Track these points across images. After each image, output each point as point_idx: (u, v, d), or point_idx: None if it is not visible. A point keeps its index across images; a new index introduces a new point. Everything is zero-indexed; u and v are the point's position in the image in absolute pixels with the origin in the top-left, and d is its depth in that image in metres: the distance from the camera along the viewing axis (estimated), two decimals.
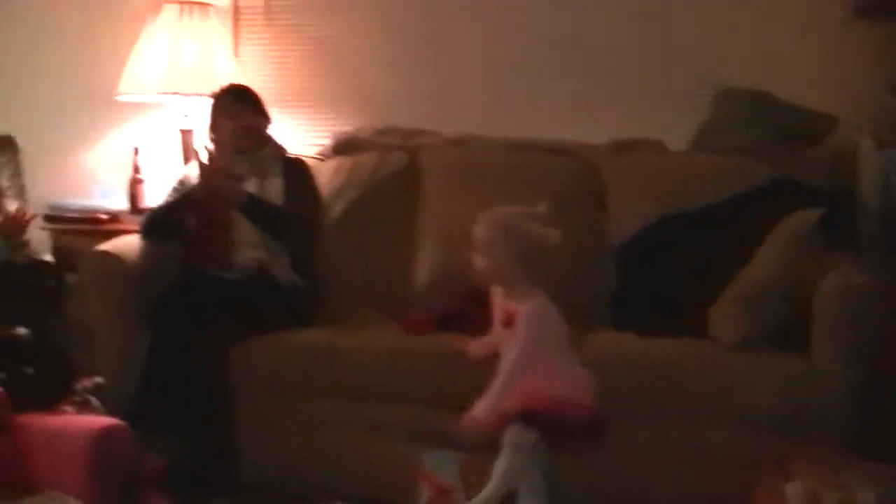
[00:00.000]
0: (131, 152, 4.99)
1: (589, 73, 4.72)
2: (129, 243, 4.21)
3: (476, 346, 3.49)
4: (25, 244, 4.52)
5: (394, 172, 4.52)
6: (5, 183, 4.90)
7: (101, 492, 3.17)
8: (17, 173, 4.97)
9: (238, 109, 4.30)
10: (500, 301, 3.34)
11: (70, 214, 4.95)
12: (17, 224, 4.42)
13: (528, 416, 3.16)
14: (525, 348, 3.21)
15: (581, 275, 4.14)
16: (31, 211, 4.84)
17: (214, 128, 4.36)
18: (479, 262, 3.28)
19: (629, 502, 3.53)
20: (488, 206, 3.96)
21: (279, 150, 4.39)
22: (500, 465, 3.20)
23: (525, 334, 3.21)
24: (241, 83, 4.53)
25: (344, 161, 4.61)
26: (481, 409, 3.18)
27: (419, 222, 4.42)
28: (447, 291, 4.04)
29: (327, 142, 4.79)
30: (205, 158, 4.14)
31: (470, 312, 3.80)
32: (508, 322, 3.28)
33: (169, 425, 3.72)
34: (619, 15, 4.68)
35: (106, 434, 3.29)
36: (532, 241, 3.23)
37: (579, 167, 4.39)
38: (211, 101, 4.42)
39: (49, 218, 4.96)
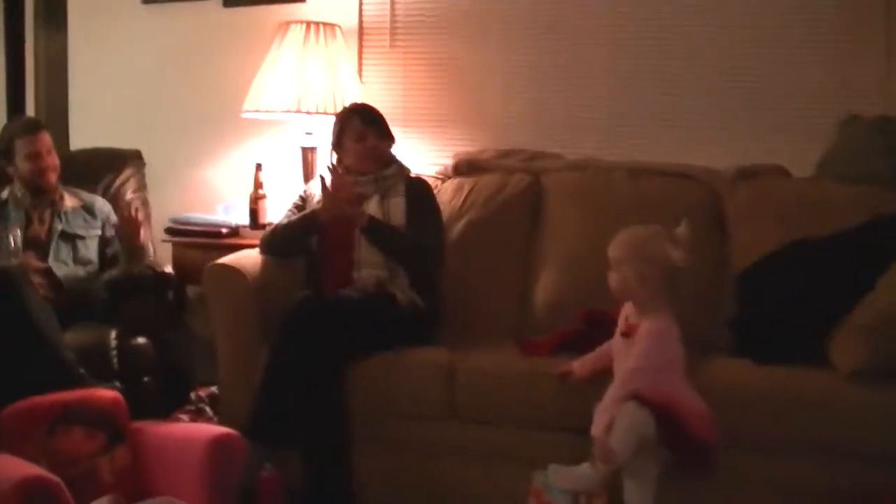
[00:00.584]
0: (253, 168, 5.02)
1: (713, 97, 4.67)
2: (249, 257, 4.23)
3: (580, 364, 3.53)
4: (141, 249, 4.57)
5: (516, 194, 4.48)
6: (130, 195, 4.98)
7: (216, 500, 3.16)
8: (141, 187, 5.06)
9: (363, 131, 4.30)
10: (626, 313, 3.38)
11: (192, 228, 5.02)
12: (131, 225, 4.46)
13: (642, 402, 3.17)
14: (643, 362, 3.24)
15: (701, 300, 4.09)
16: (153, 224, 4.92)
17: (338, 147, 4.38)
18: (611, 278, 3.33)
19: None
20: (609, 230, 3.98)
21: (403, 170, 4.38)
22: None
23: (645, 349, 3.24)
24: (366, 103, 4.54)
25: (466, 182, 4.59)
26: (598, 425, 3.21)
27: (540, 245, 4.39)
28: (566, 314, 3.97)
29: (449, 162, 4.77)
30: (328, 183, 4.15)
31: (589, 335, 3.75)
32: (628, 333, 3.32)
33: (285, 439, 3.71)
34: (743, 41, 4.62)
35: (220, 442, 3.28)
36: (658, 262, 3.24)
37: (702, 193, 4.32)
38: (335, 119, 4.43)
39: (171, 231, 5.03)
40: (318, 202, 4.25)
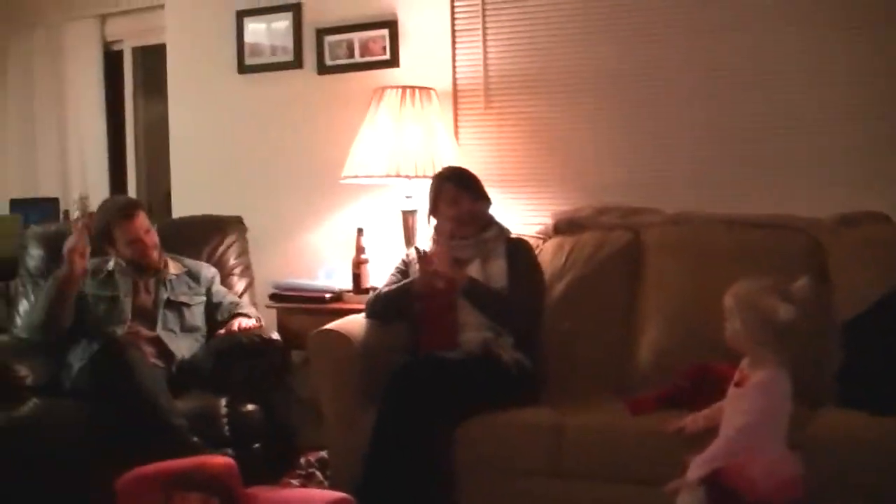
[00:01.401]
0: (355, 233, 5.08)
1: (811, 145, 4.62)
2: (354, 322, 4.29)
3: (692, 420, 3.54)
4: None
5: (616, 251, 4.48)
6: (233, 262, 5.05)
7: None
8: (244, 252, 5.13)
9: (458, 195, 4.34)
10: (743, 364, 3.40)
11: (295, 293, 5.09)
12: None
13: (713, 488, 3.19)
14: (753, 416, 3.25)
15: (807, 352, 3.99)
16: (256, 289, 4.99)
17: (435, 213, 4.42)
18: (727, 328, 3.36)
19: None
20: (710, 283, 3.98)
21: (503, 232, 4.42)
22: None
23: (751, 404, 3.26)
24: (459, 166, 4.58)
25: (565, 240, 4.61)
26: (693, 467, 3.23)
27: (642, 300, 4.38)
28: (670, 369, 3.96)
29: (548, 221, 4.79)
30: (424, 255, 4.22)
31: (694, 390, 3.74)
32: (739, 383, 3.34)
33: (394, 502, 3.73)
34: (840, 86, 4.56)
35: None
36: (764, 315, 3.26)
37: (803, 242, 4.27)
38: (430, 185, 4.48)
39: (275, 297, 5.10)
40: (417, 270, 4.31)
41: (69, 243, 4.33)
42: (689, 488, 3.23)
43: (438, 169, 4.66)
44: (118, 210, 4.68)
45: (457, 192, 4.34)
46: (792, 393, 3.30)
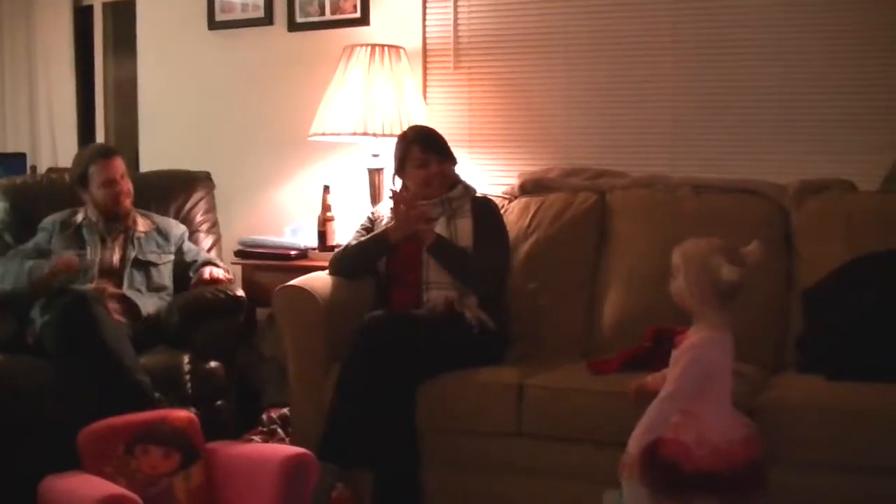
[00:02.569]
0: (321, 190, 5.07)
1: (778, 112, 4.64)
2: (319, 279, 4.28)
3: (653, 379, 3.47)
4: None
5: (582, 212, 4.49)
6: (200, 218, 5.04)
7: None
8: (211, 209, 5.12)
9: (424, 158, 4.33)
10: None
11: (261, 250, 5.09)
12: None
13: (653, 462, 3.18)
14: (679, 381, 3.20)
15: (768, 317, 4.12)
16: (224, 248, 4.97)
17: (401, 173, 4.42)
18: (671, 284, 3.33)
19: None
20: (675, 246, 3.98)
21: (469, 190, 4.42)
22: None
23: (683, 367, 3.21)
24: (425, 126, 4.58)
25: (531, 201, 4.61)
26: (631, 441, 3.22)
27: (607, 262, 4.40)
28: (634, 331, 3.97)
29: (515, 182, 4.79)
30: (400, 202, 4.21)
31: (657, 352, 3.76)
32: (678, 343, 3.31)
33: (356, 459, 3.75)
34: (809, 54, 4.58)
35: (294, 462, 3.34)
36: (709, 274, 3.22)
37: (768, 208, 4.31)
38: (396, 145, 4.47)
39: (240, 253, 5.11)
40: (388, 222, 4.31)
41: (63, 261, 4.33)
42: (632, 469, 3.20)
43: (406, 128, 4.65)
44: (96, 151, 4.70)
45: (424, 154, 4.33)
46: (732, 353, 3.27)
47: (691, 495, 3.15)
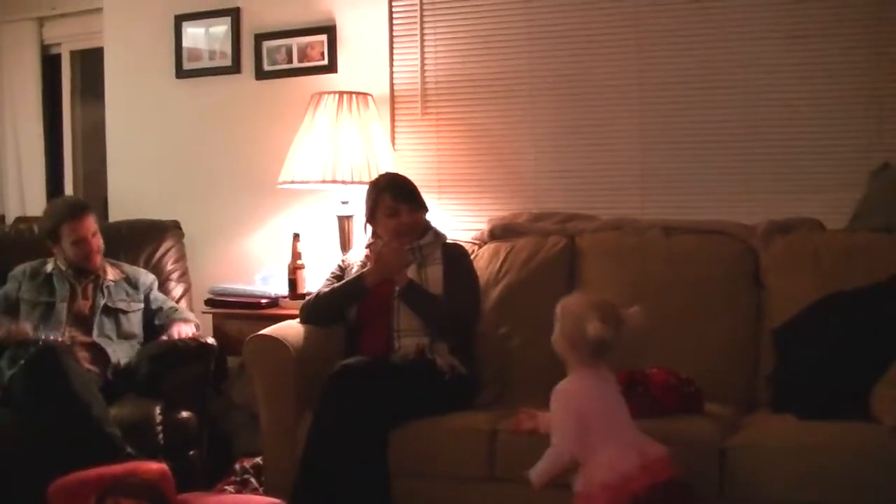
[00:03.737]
0: (291, 238, 5.07)
1: (743, 153, 4.67)
2: (290, 327, 4.28)
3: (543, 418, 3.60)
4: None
5: (551, 256, 4.49)
6: (170, 266, 5.04)
7: None
8: (181, 257, 5.12)
9: (395, 207, 4.33)
10: None
11: (231, 299, 5.08)
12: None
13: None
14: (556, 436, 3.37)
15: (739, 355, 4.15)
16: (194, 297, 4.95)
17: (372, 221, 4.42)
18: (553, 334, 3.48)
19: None
20: (646, 288, 4.05)
21: (439, 237, 4.43)
22: None
23: (555, 419, 3.39)
24: (395, 174, 4.57)
25: (501, 246, 4.61)
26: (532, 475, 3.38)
27: None
28: None
29: (484, 227, 4.80)
30: (384, 248, 4.25)
31: (629, 396, 3.76)
32: None
33: None
34: (773, 95, 4.62)
35: None
36: (577, 328, 3.36)
37: (737, 248, 4.33)
38: (367, 193, 4.47)
39: (210, 302, 5.09)
40: (359, 269, 4.33)
41: (17, 330, 4.37)
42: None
43: (375, 175, 4.68)
44: (68, 208, 4.69)
45: (395, 203, 4.33)
46: (611, 389, 3.43)
47: None
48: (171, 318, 4.67)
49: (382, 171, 4.70)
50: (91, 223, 4.60)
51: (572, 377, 3.40)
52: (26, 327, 4.38)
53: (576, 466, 3.32)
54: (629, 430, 3.36)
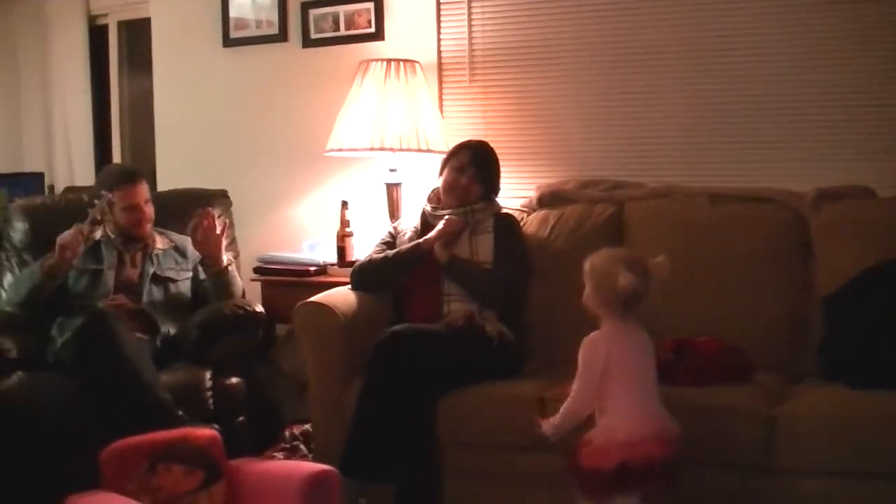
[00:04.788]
0: (338, 205, 5.08)
1: (794, 119, 4.62)
2: (339, 294, 4.30)
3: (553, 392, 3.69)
4: (226, 270, 4.62)
5: (599, 224, 4.49)
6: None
7: None
8: (229, 226, 5.11)
9: (464, 166, 4.38)
10: None
11: (280, 267, 5.09)
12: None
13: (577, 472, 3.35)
14: (577, 380, 3.42)
15: (788, 325, 4.12)
16: (242, 265, 4.95)
17: (441, 171, 4.47)
18: (584, 293, 3.52)
19: None
20: (693, 256, 4.08)
21: (492, 205, 4.44)
22: None
23: (580, 364, 3.42)
24: (487, 145, 4.56)
25: (550, 213, 4.61)
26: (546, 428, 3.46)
27: None
28: (654, 343, 3.96)
29: (532, 194, 4.79)
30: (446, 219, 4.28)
31: (678, 364, 3.75)
32: None
33: (378, 474, 3.75)
34: (823, 61, 4.56)
35: (317, 479, 3.33)
36: (607, 280, 3.41)
37: (785, 216, 4.30)
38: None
39: (259, 270, 5.11)
40: (412, 236, 4.38)
41: (63, 238, 4.29)
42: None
43: (423, 143, 4.75)
44: (122, 174, 4.72)
45: (467, 163, 4.38)
46: (644, 350, 3.44)
47: (612, 492, 3.26)
48: None
49: (434, 139, 4.79)
50: (144, 190, 4.61)
51: (604, 328, 3.44)
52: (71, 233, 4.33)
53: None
54: (652, 390, 3.40)
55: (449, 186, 4.38)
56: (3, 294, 4.76)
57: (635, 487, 3.25)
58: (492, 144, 4.72)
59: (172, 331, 4.46)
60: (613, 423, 3.31)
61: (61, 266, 4.32)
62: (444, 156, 4.51)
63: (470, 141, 4.55)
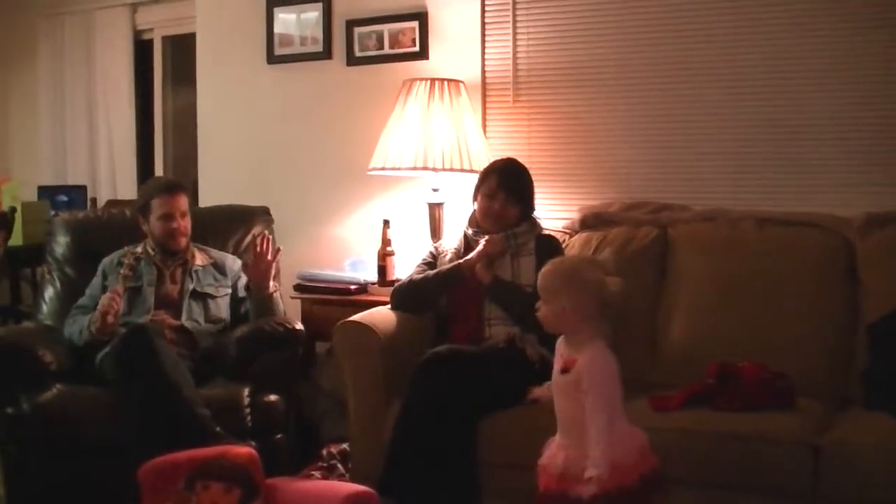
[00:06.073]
0: (380, 224, 5.07)
1: (842, 143, 4.56)
2: (379, 313, 4.30)
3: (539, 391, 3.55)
4: (270, 297, 4.62)
5: (643, 247, 4.46)
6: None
7: None
8: (280, 254, 5.11)
9: (495, 192, 4.35)
10: (561, 348, 3.32)
11: (320, 284, 5.09)
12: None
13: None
14: (604, 400, 3.16)
15: (833, 352, 4.07)
16: (283, 282, 4.95)
17: (475, 197, 4.45)
18: (543, 310, 3.27)
19: None
20: (738, 281, 4.08)
21: (534, 227, 4.41)
22: None
23: (601, 385, 3.16)
24: (514, 161, 4.53)
25: (593, 235, 4.59)
26: (596, 469, 3.08)
27: (668, 297, 4.37)
28: (696, 366, 3.93)
29: (576, 216, 4.77)
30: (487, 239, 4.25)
31: (720, 390, 3.72)
32: (567, 368, 3.25)
33: (416, 495, 3.72)
34: (870, 85, 4.50)
35: (356, 500, 3.31)
36: (594, 289, 3.20)
37: (832, 240, 4.25)
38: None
39: (300, 287, 5.11)
40: (452, 258, 4.36)
41: (103, 306, 4.36)
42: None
43: (466, 163, 4.73)
44: (163, 183, 4.77)
45: (496, 189, 4.35)
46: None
47: None
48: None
49: (478, 159, 4.76)
50: (182, 202, 4.62)
51: (597, 346, 3.22)
52: (109, 298, 4.38)
53: None
54: (623, 409, 3.27)
55: (484, 214, 4.37)
56: (46, 307, 4.78)
57: (654, 498, 3.20)
58: (535, 165, 4.73)
59: (211, 345, 4.46)
60: (623, 440, 3.19)
61: (105, 331, 4.34)
62: (478, 178, 4.48)
63: (495, 163, 4.51)
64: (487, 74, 5.22)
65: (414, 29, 5.32)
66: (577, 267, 3.31)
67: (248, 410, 4.23)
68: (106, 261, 4.66)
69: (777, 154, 4.68)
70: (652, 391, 3.99)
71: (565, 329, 3.29)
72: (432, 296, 4.33)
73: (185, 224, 4.63)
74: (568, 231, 4.70)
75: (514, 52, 5.16)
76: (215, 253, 4.79)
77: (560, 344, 3.35)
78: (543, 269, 3.32)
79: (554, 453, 3.28)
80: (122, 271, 4.49)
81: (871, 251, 4.17)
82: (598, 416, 3.14)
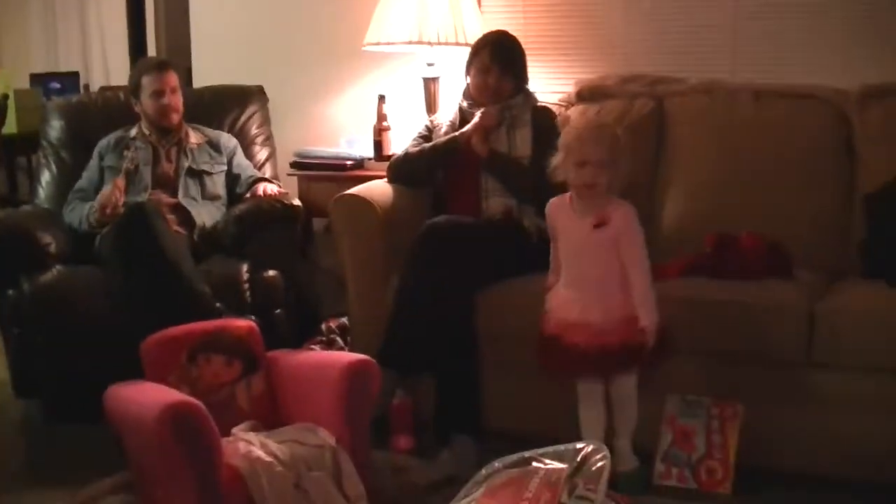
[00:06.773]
0: (376, 100, 5.04)
1: (840, 15, 4.51)
2: (377, 187, 4.29)
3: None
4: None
5: (640, 119, 4.43)
6: (254, 131, 5.03)
7: (350, 425, 3.21)
8: (265, 122, 5.11)
9: (488, 66, 4.29)
10: (565, 210, 3.51)
11: (317, 161, 5.08)
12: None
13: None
14: (643, 243, 3.42)
15: (830, 224, 4.09)
16: (278, 161, 4.94)
17: (467, 73, 4.40)
18: (604, 175, 3.38)
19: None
20: (734, 153, 4.12)
21: (529, 99, 4.37)
22: None
23: (636, 231, 3.42)
24: (504, 33, 4.46)
25: (589, 108, 4.55)
26: (647, 319, 3.34)
27: (665, 170, 4.37)
28: (693, 238, 3.97)
29: (571, 89, 4.73)
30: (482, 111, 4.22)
31: (719, 259, 3.74)
32: (600, 223, 3.40)
33: (416, 365, 3.77)
34: None
35: (356, 369, 3.32)
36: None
37: (828, 114, 4.23)
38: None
39: (296, 165, 5.11)
40: (448, 130, 4.32)
41: (103, 197, 4.38)
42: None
43: (461, 37, 4.67)
44: (152, 62, 4.78)
45: (489, 63, 4.29)
46: None
47: (575, 371, 3.42)
48: (249, 185, 4.67)
49: (473, 33, 4.68)
50: (172, 79, 4.59)
51: (623, 201, 3.44)
52: (108, 192, 4.40)
53: None
54: None
55: (478, 89, 4.31)
56: (42, 191, 4.79)
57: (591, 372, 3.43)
58: (531, 39, 4.69)
59: (209, 224, 4.46)
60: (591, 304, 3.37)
61: (105, 222, 4.34)
62: (469, 53, 4.42)
63: (487, 36, 4.43)
64: None
65: None
66: (601, 124, 3.48)
67: (247, 286, 4.26)
68: (102, 142, 4.65)
69: (775, 25, 4.62)
70: (651, 262, 4.00)
71: (603, 194, 3.41)
72: (428, 168, 4.31)
73: (177, 100, 4.61)
74: (564, 104, 4.67)
75: None
76: (209, 131, 4.78)
77: (561, 206, 3.52)
78: (596, 136, 3.44)
79: (567, 304, 3.40)
80: (125, 164, 4.49)
81: (868, 124, 4.16)
82: (644, 267, 3.36)
